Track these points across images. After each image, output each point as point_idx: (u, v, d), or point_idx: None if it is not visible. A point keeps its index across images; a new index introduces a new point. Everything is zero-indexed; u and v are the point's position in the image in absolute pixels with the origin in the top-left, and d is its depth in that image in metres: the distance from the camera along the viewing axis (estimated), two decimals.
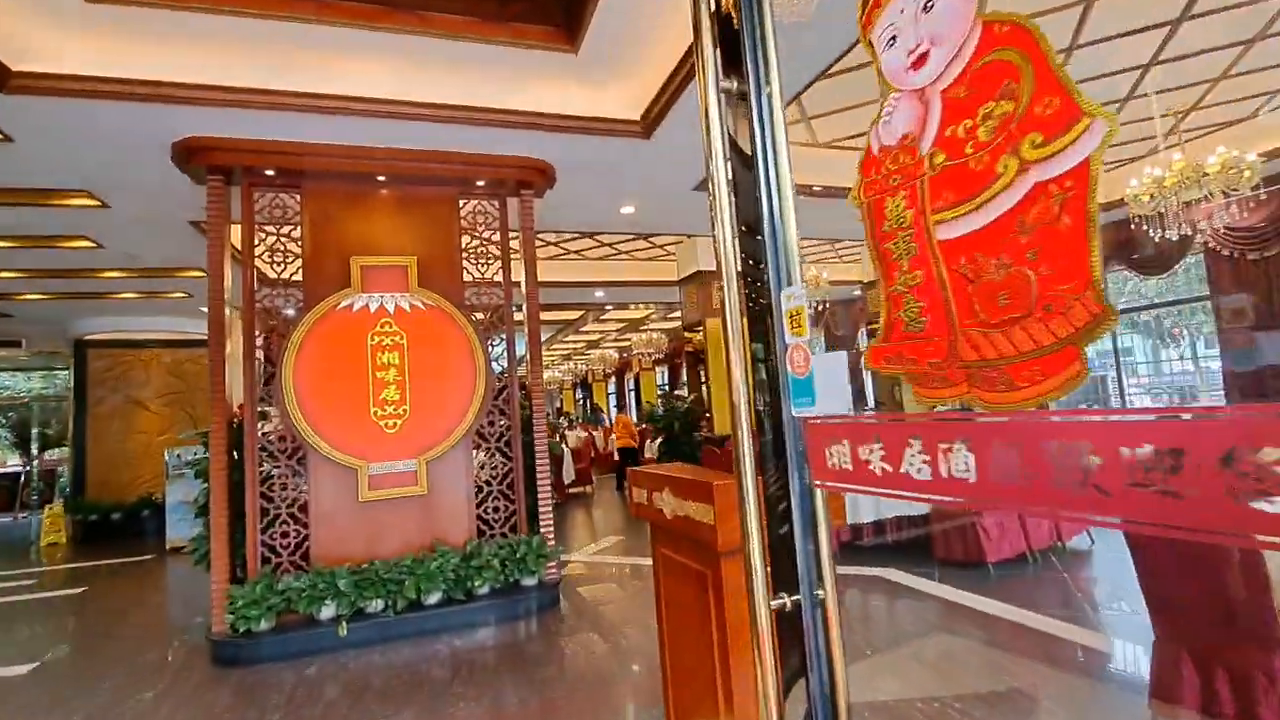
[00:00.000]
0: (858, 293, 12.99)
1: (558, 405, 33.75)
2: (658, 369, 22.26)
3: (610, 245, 9.14)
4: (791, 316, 1.40)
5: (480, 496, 4.72)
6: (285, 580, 4.05)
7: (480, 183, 4.84)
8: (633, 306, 12.83)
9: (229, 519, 4.17)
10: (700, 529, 2.02)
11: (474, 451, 4.74)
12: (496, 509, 4.75)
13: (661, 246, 9.43)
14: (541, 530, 4.75)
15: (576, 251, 9.35)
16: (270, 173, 4.39)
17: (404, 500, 4.43)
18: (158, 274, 7.57)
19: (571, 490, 11.05)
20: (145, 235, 6.06)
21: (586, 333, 17.71)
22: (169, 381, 10.35)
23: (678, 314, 15.92)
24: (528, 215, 5.05)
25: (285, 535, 4.29)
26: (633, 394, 24.95)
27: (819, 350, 11.48)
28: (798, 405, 1.35)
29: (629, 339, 18.58)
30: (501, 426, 4.82)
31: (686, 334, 9.13)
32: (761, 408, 1.44)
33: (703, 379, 9.25)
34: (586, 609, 4.56)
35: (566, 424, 25.57)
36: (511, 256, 5.09)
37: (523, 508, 4.80)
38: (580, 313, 13.92)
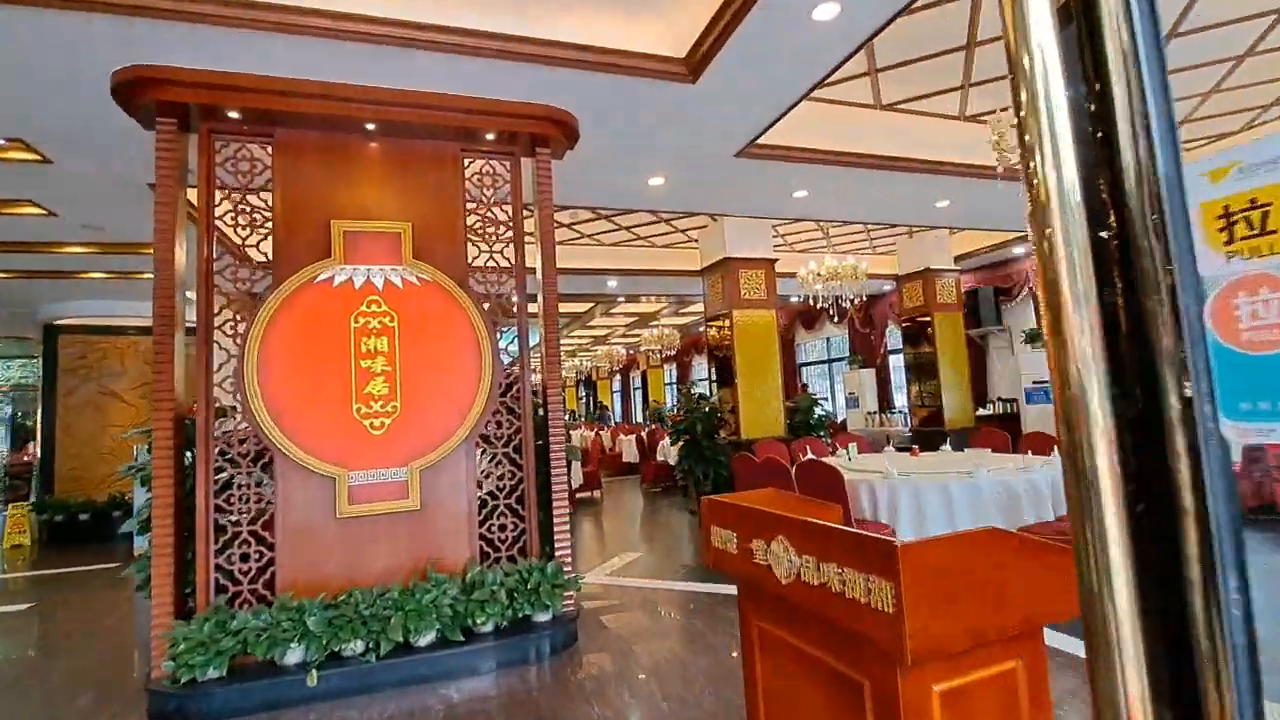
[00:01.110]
0: (887, 287, 12.20)
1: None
2: (665, 367, 21.49)
3: (628, 229, 8.35)
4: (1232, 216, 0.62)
5: (484, 512, 3.94)
6: (241, 617, 3.26)
7: (489, 136, 4.05)
8: (644, 299, 12.05)
9: (175, 538, 3.39)
10: (859, 614, 1.23)
11: (477, 458, 3.95)
12: (503, 527, 3.97)
13: (684, 232, 8.64)
14: (558, 553, 3.97)
15: (590, 236, 8.56)
16: (235, 115, 3.60)
17: (391, 516, 3.65)
18: (127, 250, 6.78)
19: (579, 495, 10.27)
20: (103, 202, 5.27)
21: (593, 327, 16.93)
22: (146, 371, 9.57)
23: (691, 308, 15.15)
24: (545, 180, 4.27)
25: (246, 558, 3.51)
26: (639, 392, 24.19)
27: (838, 349, 10.52)
28: (1242, 414, 0.57)
29: (638, 335, 17.80)
30: (510, 429, 4.04)
31: (710, 326, 8.33)
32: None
33: (713, 377, 8.50)
34: (612, 650, 3.77)
35: (571, 422, 24.83)
36: (524, 236, 4.31)
37: (534, 525, 4.01)
38: (590, 305, 13.14)
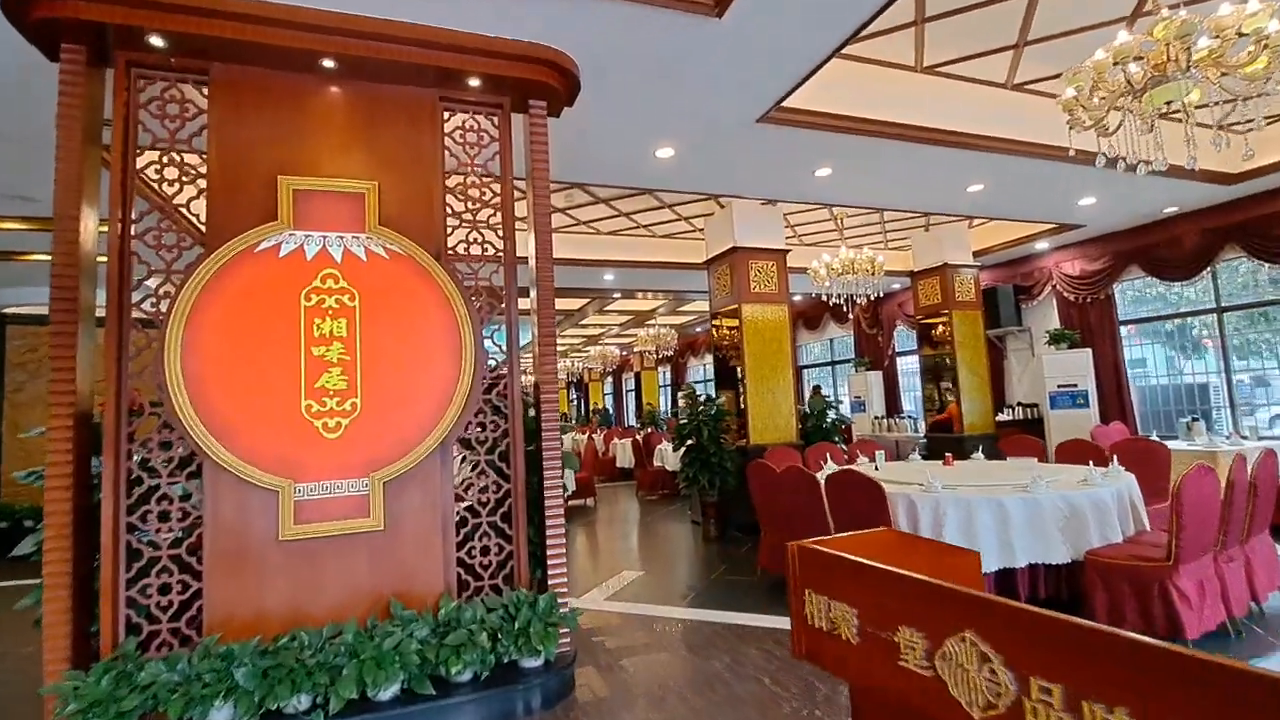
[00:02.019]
0: (896, 286, 11.61)
1: None
2: (660, 369, 20.86)
3: (627, 216, 7.71)
4: None
5: (463, 532, 3.27)
6: (151, 668, 2.58)
7: (472, 82, 3.40)
8: (641, 295, 11.41)
9: (75, 564, 2.71)
10: None
11: (455, 466, 3.29)
12: (486, 550, 3.30)
13: (687, 220, 8.01)
14: (551, 582, 3.31)
15: (586, 223, 7.91)
16: (160, 43, 2.93)
17: (348, 538, 2.98)
18: None
19: (571, 503, 9.60)
20: (29, 168, 4.57)
21: (586, 326, 16.27)
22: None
23: (688, 307, 14.52)
24: (539, 140, 3.62)
25: (166, 590, 2.83)
26: (632, 394, 23.53)
27: (842, 350, 9.99)
28: None
29: (633, 335, 17.15)
30: (496, 432, 3.38)
31: (715, 323, 7.70)
32: None
33: (715, 378, 7.89)
34: (616, 701, 3.12)
35: (564, 425, 24.15)
36: (516, 221, 3.65)
37: (523, 547, 3.35)
38: (584, 301, 12.48)
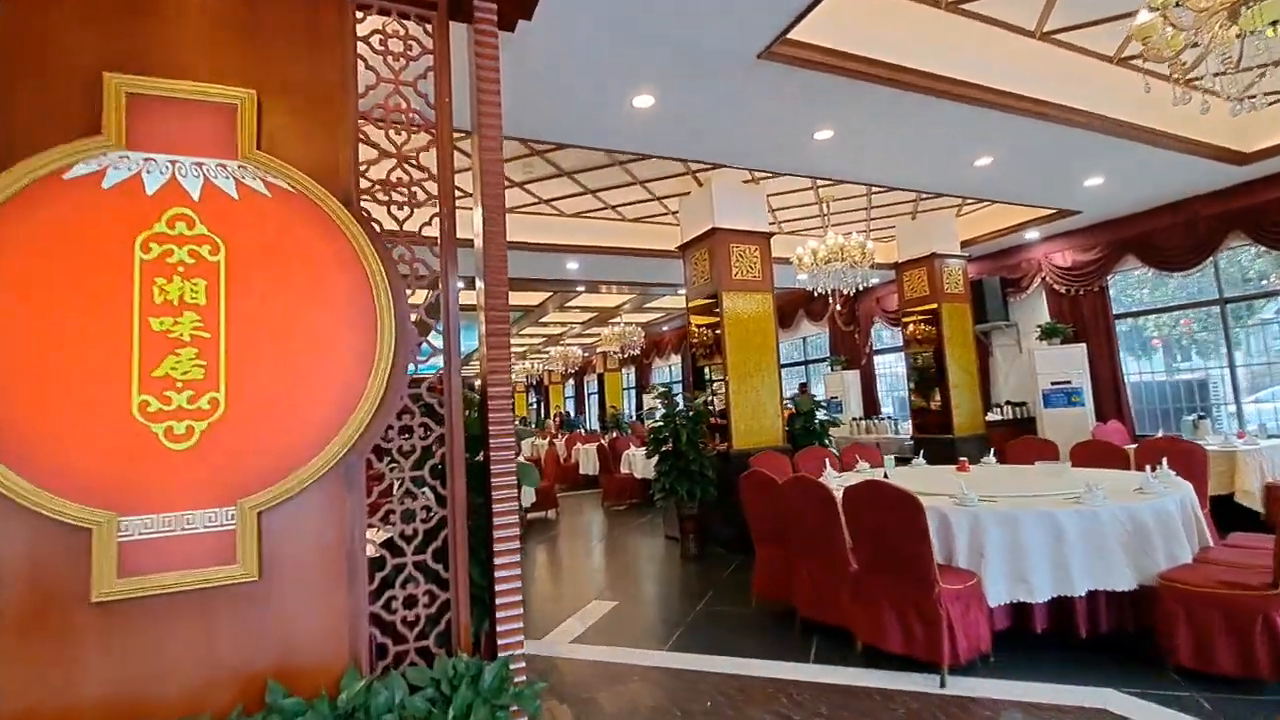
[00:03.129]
0: (875, 280, 11.04)
1: None
2: (624, 370, 20.06)
3: (594, 194, 6.88)
4: None
5: (379, 577, 2.38)
6: None
7: None
8: (606, 289, 10.58)
9: None
10: None
11: (364, 486, 2.39)
12: (412, 601, 2.41)
13: (660, 200, 7.23)
14: (504, 641, 2.45)
15: (548, 201, 7.05)
16: None
17: (203, 595, 2.05)
18: None
19: (531, 515, 8.69)
20: None
21: (546, 324, 15.36)
22: None
23: (655, 303, 13.73)
24: (488, 59, 2.76)
25: None
26: (594, 397, 22.65)
27: (815, 348, 9.37)
28: None
29: (597, 334, 16.30)
30: (427, 439, 2.50)
31: (690, 317, 6.92)
32: None
33: (688, 378, 7.15)
34: None
35: (522, 431, 23.06)
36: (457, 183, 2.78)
37: (464, 594, 2.47)
38: (545, 296, 11.58)
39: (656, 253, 8.11)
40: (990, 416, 8.61)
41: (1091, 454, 5.26)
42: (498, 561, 2.53)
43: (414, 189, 2.59)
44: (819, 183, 6.98)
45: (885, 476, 4.57)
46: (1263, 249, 6.75)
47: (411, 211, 2.58)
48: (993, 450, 5.54)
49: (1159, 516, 3.39)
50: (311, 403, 2.24)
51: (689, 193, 6.91)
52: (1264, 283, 7.10)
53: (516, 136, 4.60)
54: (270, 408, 2.19)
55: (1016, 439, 6.07)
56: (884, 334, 11.73)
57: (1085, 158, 5.63)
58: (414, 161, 2.60)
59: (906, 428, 9.50)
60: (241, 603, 2.13)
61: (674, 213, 7.61)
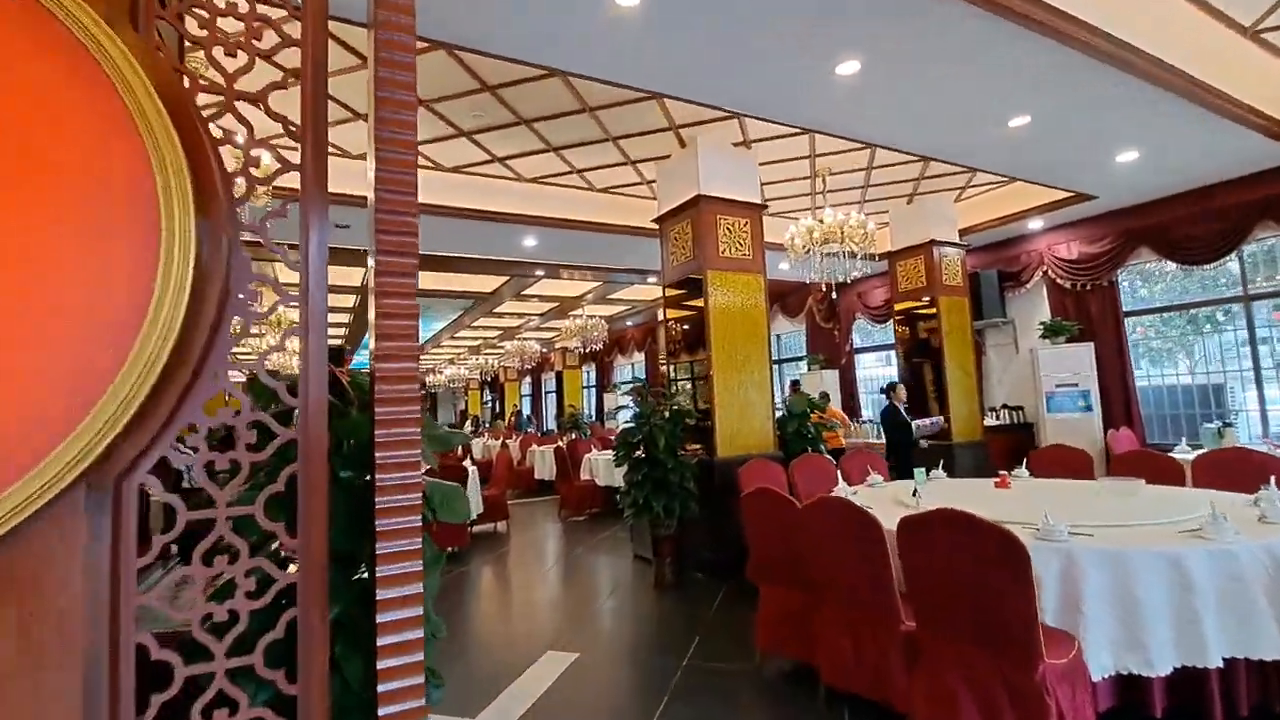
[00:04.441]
0: (858, 274, 10.26)
1: (461, 408, 29.60)
2: (584, 367, 18.97)
3: (558, 152, 5.82)
4: None
5: (157, 700, 1.29)
6: None
7: None
8: (568, 274, 9.52)
9: None
10: None
11: (134, 533, 1.30)
12: None
13: (634, 165, 6.22)
14: None
15: (501, 159, 5.96)
16: None
17: None
18: None
19: (476, 529, 7.56)
20: None
21: (502, 315, 14.17)
22: None
23: (619, 294, 12.68)
24: None
25: None
26: (552, 396, 21.48)
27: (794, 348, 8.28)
28: None
29: (556, 328, 15.19)
30: (260, 453, 1.42)
31: (667, 305, 5.94)
32: None
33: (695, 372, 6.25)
34: None
35: (473, 428, 21.63)
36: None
37: (321, 706, 1.41)
38: (500, 281, 10.43)
39: (628, 229, 7.10)
40: (988, 420, 7.89)
41: (1137, 467, 4.48)
42: (387, 652, 1.48)
43: (257, 16, 1.50)
44: (817, 152, 6.10)
45: (915, 494, 3.68)
46: None
47: (252, 61, 1.49)
48: (1025, 461, 4.71)
49: None
50: (24, 373, 1.14)
51: (669, 156, 5.93)
52: None
53: (431, 40, 3.48)
54: None
55: (1044, 447, 5.28)
56: (867, 332, 11.00)
57: (1129, 122, 4.87)
58: None
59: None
60: None
61: (650, 182, 6.61)
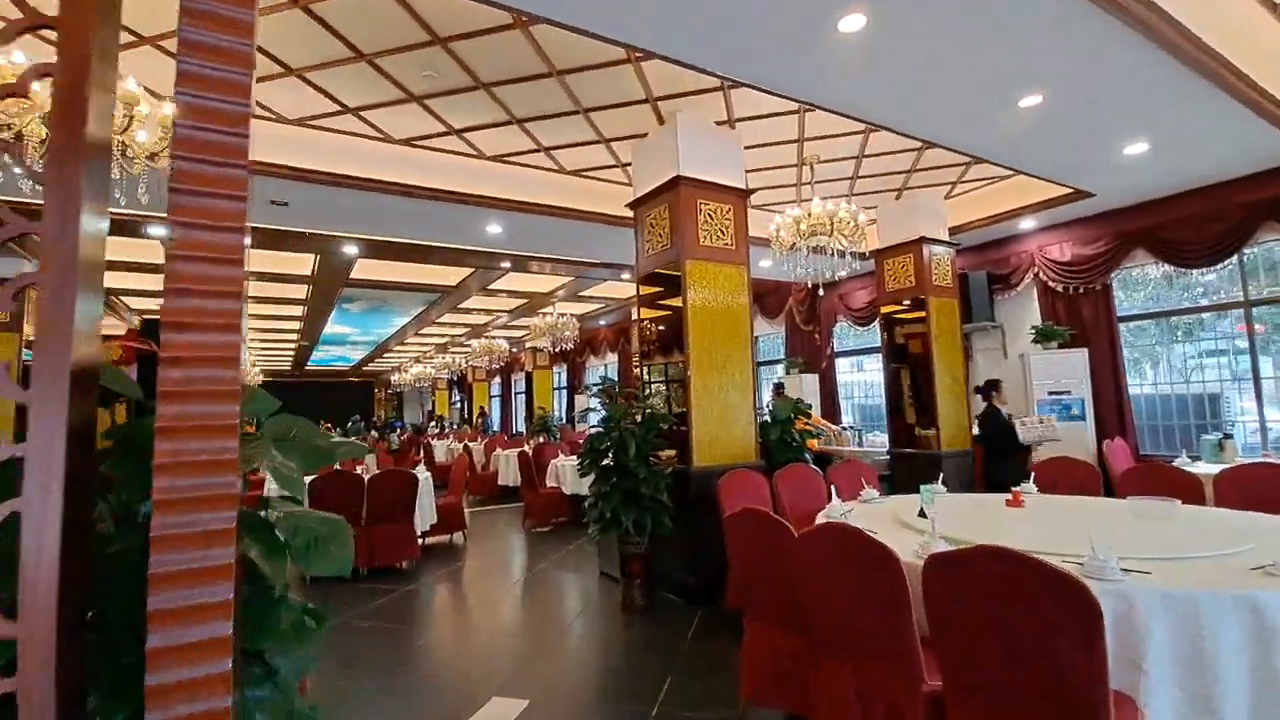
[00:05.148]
0: (843, 273, 9.87)
1: (429, 408, 28.66)
2: (555, 368, 18.35)
3: (522, 125, 5.25)
4: None
5: None
6: None
7: None
8: (538, 268, 8.94)
9: None
10: None
11: None
12: None
13: (608, 144, 5.68)
14: None
15: (459, 132, 5.37)
16: None
17: None
18: None
19: (430, 541, 6.93)
20: None
21: (468, 311, 13.50)
22: None
23: (591, 291, 12.11)
24: None
25: None
26: (521, 397, 20.79)
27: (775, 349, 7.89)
28: None
29: (525, 326, 14.55)
30: None
31: (643, 299, 5.41)
32: None
33: (664, 374, 5.73)
34: None
35: (437, 429, 20.82)
36: None
37: None
38: (465, 273, 9.79)
39: (601, 217, 6.56)
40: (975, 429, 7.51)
41: (1151, 482, 4.08)
42: None
43: None
44: (806, 136, 5.64)
45: (923, 514, 3.20)
46: None
47: None
48: (1031, 475, 4.28)
49: None
50: None
51: (645, 134, 5.40)
52: None
53: None
54: None
55: (1049, 460, 4.86)
56: (848, 334, 10.61)
57: (1147, 107, 4.49)
58: None
59: (877, 439, 8.33)
60: None
61: (625, 165, 6.08)
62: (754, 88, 4.04)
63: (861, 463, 5.00)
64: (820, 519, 3.43)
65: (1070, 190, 6.36)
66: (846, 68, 3.82)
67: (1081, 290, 7.23)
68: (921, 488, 3.89)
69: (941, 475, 4.46)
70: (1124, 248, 6.85)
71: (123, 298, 10.73)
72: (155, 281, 9.48)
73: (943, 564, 1.98)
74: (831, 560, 2.34)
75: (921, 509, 3.28)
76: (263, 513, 1.32)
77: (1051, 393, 7.02)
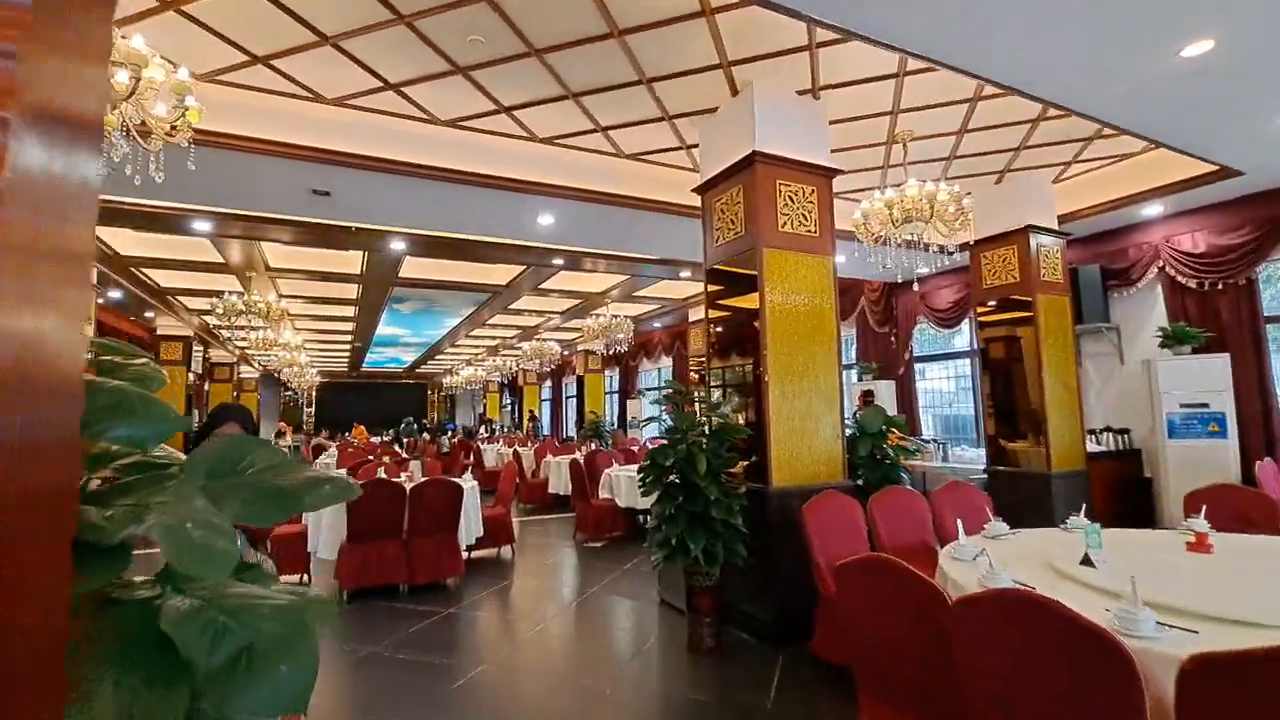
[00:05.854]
0: (924, 269, 9.02)
1: (480, 410, 28.70)
2: (606, 372, 17.87)
3: (577, 100, 4.72)
4: None
5: None
6: None
7: None
8: (590, 265, 8.42)
9: None
10: None
11: None
12: None
13: (672, 120, 5.10)
14: None
15: (509, 110, 4.88)
16: None
17: None
18: None
19: (474, 555, 6.48)
20: None
21: (519, 312, 13.15)
22: None
23: (648, 291, 11.52)
24: None
25: None
26: (573, 401, 20.41)
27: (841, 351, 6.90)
28: None
29: (578, 328, 14.12)
30: None
31: (712, 297, 4.77)
32: None
33: (722, 376, 5.02)
34: None
35: (487, 433, 20.64)
36: None
37: None
38: (516, 271, 9.39)
39: (660, 205, 5.98)
40: (1090, 446, 6.57)
41: None
42: None
43: None
44: (901, 107, 4.91)
45: (1088, 560, 2.48)
46: None
47: None
48: (1203, 510, 3.45)
49: None
50: None
51: (716, 109, 4.80)
52: None
53: None
54: None
55: (1206, 488, 4.00)
56: (930, 338, 9.70)
57: None
58: None
59: (964, 454, 7.45)
60: None
61: (691, 147, 5.49)
62: (864, 38, 3.36)
63: (970, 485, 4.25)
64: (946, 559, 2.75)
65: (1214, 168, 5.41)
66: (968, 10, 3.11)
67: (1220, 286, 6.21)
68: (1072, 521, 3.16)
69: (1084, 508, 3.66)
70: (1273, 236, 5.83)
71: (180, 298, 10.78)
72: (209, 281, 9.43)
73: (1219, 669, 1.28)
74: (1014, 644, 1.66)
75: (1086, 554, 2.55)
76: (155, 598, 0.76)
77: (1184, 405, 6.03)
